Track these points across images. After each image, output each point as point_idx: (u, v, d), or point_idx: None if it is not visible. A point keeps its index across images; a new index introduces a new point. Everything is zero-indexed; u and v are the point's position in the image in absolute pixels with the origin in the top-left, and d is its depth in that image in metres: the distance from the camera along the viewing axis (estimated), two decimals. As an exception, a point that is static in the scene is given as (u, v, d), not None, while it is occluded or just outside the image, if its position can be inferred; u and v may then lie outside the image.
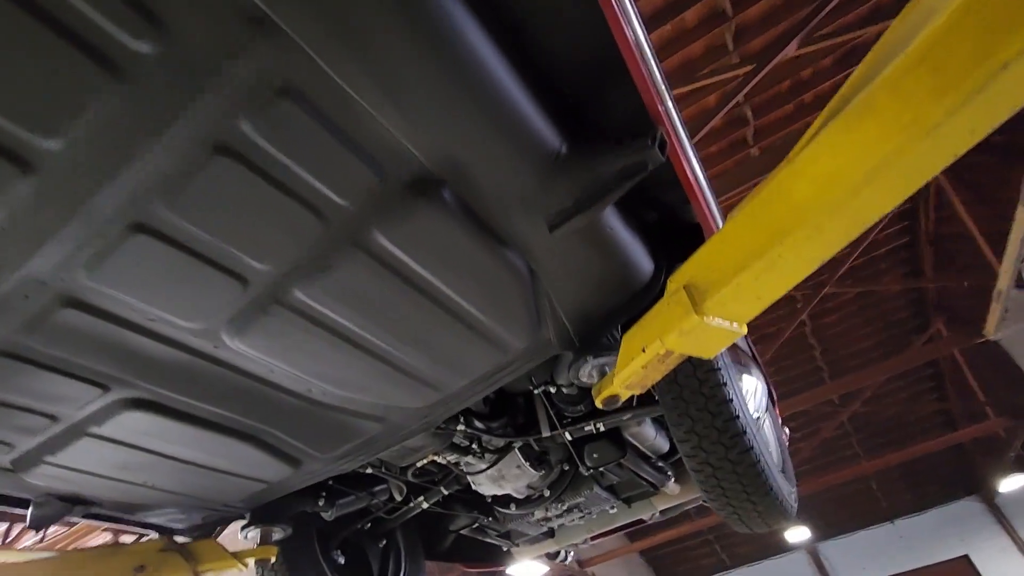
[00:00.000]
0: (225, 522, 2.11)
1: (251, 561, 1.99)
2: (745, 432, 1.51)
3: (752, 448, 1.52)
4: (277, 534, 2.06)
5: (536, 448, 2.24)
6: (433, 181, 1.07)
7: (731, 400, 1.52)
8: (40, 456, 1.51)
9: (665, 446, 2.43)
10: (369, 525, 2.61)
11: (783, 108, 6.49)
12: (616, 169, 1.08)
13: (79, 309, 1.11)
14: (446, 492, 2.42)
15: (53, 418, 1.39)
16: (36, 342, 1.17)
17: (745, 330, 1.24)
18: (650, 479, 2.41)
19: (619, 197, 1.13)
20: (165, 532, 2.10)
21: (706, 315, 1.17)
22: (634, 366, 1.35)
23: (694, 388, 1.54)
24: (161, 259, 1.06)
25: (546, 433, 2.00)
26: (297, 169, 0.98)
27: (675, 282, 1.25)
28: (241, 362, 1.33)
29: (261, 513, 2.06)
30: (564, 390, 1.79)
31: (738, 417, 1.51)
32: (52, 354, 1.21)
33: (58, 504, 1.77)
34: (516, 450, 2.18)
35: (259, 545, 2.03)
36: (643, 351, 1.31)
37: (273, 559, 2.03)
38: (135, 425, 1.44)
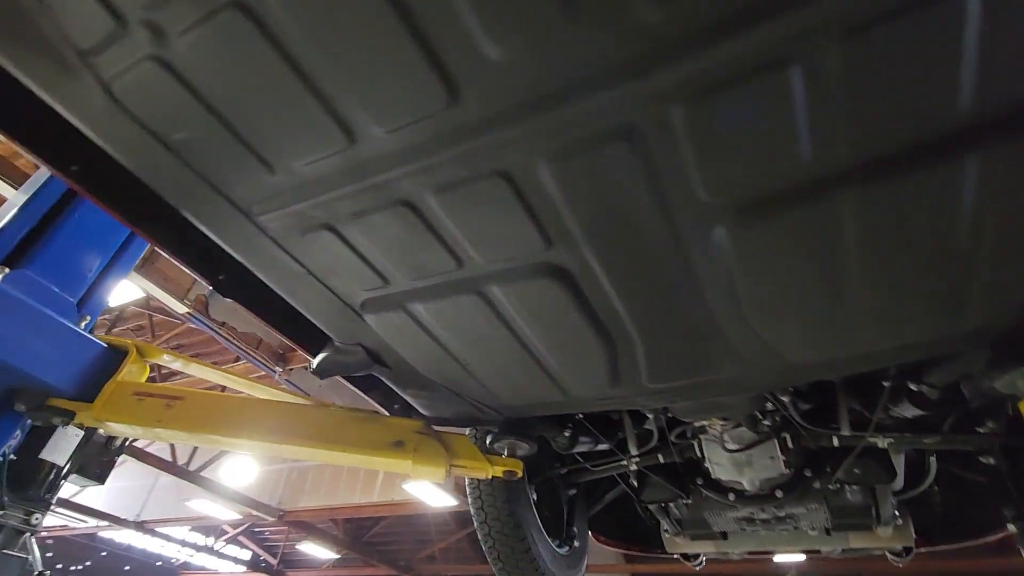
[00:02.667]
0: (469, 425, 2.03)
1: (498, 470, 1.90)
2: None
3: None
4: (522, 450, 1.97)
5: (790, 445, 2.09)
6: None
7: None
8: (405, 301, 1.42)
9: (900, 483, 2.25)
10: (565, 471, 2.51)
11: None
12: None
13: (628, 141, 1.00)
14: (662, 460, 2.29)
15: (460, 263, 1.29)
16: (553, 170, 1.05)
17: None
18: (885, 514, 2.24)
19: None
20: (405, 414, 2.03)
21: None
22: None
23: None
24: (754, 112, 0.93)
25: (845, 432, 1.84)
26: None
27: None
28: (702, 263, 1.19)
29: (513, 426, 1.97)
30: (925, 390, 1.62)
31: None
32: (548, 191, 1.10)
33: (361, 358, 1.69)
34: (775, 440, 2.04)
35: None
36: None
37: (519, 473, 1.92)
38: (528, 295, 1.33)
